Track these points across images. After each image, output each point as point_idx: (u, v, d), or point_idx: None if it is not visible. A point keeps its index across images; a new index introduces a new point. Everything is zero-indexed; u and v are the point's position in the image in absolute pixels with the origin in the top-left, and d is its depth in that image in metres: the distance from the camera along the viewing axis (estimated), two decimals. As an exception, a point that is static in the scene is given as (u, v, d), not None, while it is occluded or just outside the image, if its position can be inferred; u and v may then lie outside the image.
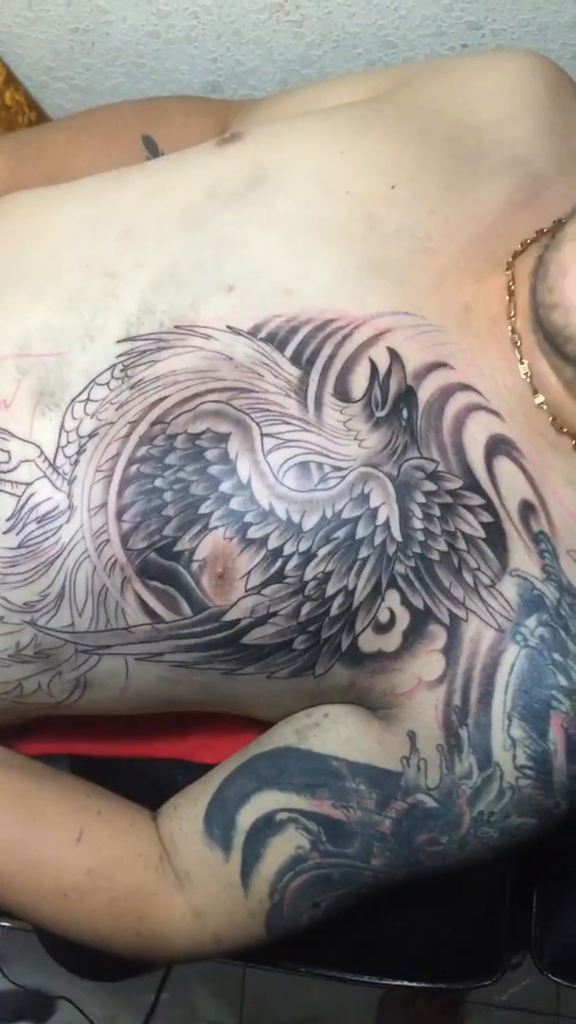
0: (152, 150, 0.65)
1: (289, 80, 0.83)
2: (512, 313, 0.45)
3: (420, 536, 0.43)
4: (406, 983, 0.63)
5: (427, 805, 0.45)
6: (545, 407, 0.45)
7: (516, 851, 0.48)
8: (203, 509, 0.43)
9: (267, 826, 0.48)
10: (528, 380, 0.45)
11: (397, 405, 0.44)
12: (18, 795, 0.53)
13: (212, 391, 0.45)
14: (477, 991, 1.22)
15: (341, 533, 0.43)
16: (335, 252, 0.46)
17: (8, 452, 0.46)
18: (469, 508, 0.44)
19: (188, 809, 0.51)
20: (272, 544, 0.43)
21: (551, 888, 0.64)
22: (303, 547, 0.43)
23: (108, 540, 0.44)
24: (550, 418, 0.45)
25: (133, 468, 0.44)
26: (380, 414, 0.44)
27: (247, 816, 0.48)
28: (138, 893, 0.50)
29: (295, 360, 0.45)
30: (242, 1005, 1.26)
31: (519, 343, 0.45)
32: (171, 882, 0.51)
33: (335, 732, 0.47)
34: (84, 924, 0.52)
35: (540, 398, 0.45)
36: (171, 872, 0.51)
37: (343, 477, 0.43)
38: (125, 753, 0.66)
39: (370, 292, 0.46)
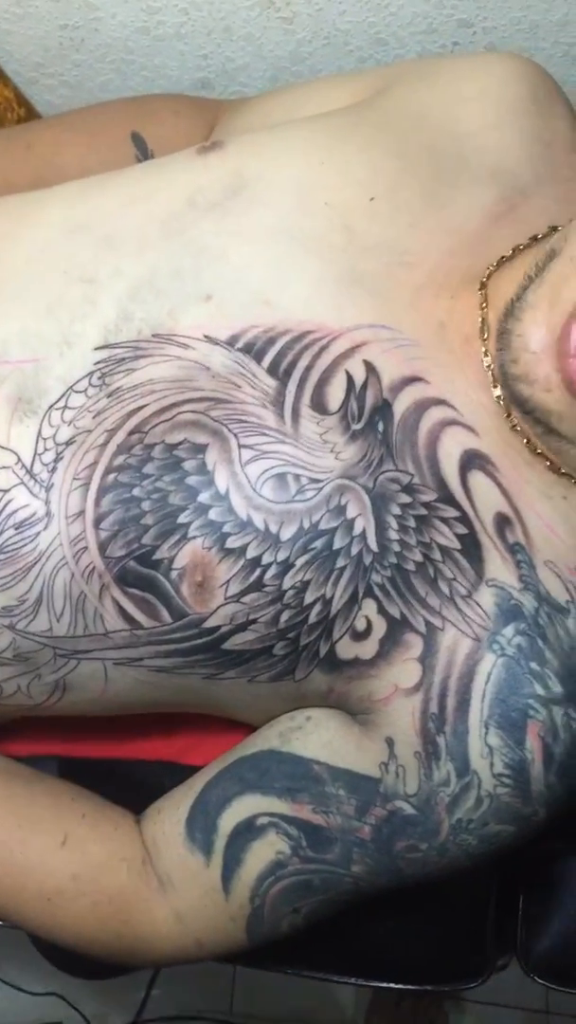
0: (141, 148, 0.64)
1: (280, 77, 0.82)
2: (485, 335, 0.46)
3: (396, 547, 0.44)
4: (393, 985, 0.63)
5: (406, 812, 0.45)
6: (518, 428, 0.45)
7: (497, 859, 0.48)
8: (182, 519, 0.44)
9: (248, 830, 0.48)
10: (501, 402, 0.45)
11: (373, 418, 0.44)
12: (2, 799, 0.53)
13: (189, 401, 0.45)
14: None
15: (319, 544, 0.43)
16: (314, 263, 0.46)
17: None
18: (444, 520, 0.44)
19: (171, 813, 0.51)
20: (251, 554, 0.43)
21: (537, 892, 0.64)
22: (281, 557, 0.43)
23: (86, 547, 0.45)
24: (524, 440, 0.45)
25: (111, 477, 0.44)
26: (356, 427, 0.44)
27: (228, 820, 0.48)
28: (121, 897, 0.51)
29: (272, 371, 0.45)
30: (232, 1001, 1.26)
31: (491, 366, 0.45)
32: (154, 886, 0.51)
33: (316, 736, 0.48)
34: (68, 928, 0.52)
35: (514, 420, 0.45)
36: (154, 876, 0.51)
37: (320, 489, 0.44)
38: (112, 754, 0.65)
39: (348, 304, 0.46)
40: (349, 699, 0.46)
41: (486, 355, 0.45)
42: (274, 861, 0.47)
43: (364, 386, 0.45)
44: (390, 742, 0.45)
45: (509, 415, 0.45)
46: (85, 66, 0.83)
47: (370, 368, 0.45)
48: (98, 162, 0.61)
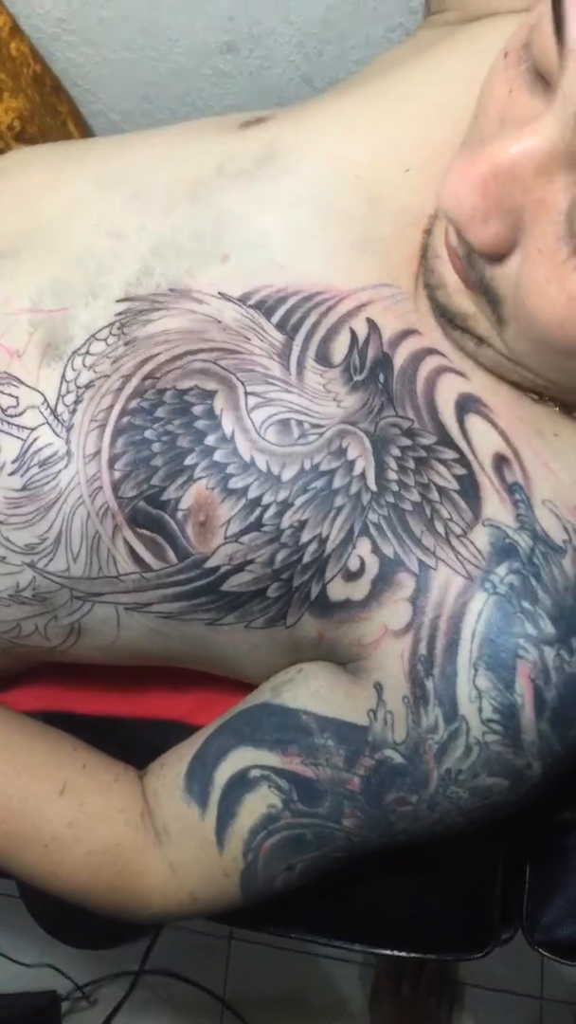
0: None
1: (306, 43, 0.82)
2: None
3: (394, 487, 0.45)
4: (396, 952, 0.63)
5: (394, 761, 0.45)
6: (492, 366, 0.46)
7: (496, 820, 0.47)
8: (188, 460, 0.46)
9: (241, 783, 0.48)
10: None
11: (374, 370, 0.46)
12: (2, 746, 0.53)
13: (201, 351, 0.47)
14: (462, 972, 1.23)
15: (318, 483, 0.45)
16: (333, 232, 0.48)
17: (17, 398, 0.48)
18: (443, 461, 0.45)
19: (172, 766, 0.52)
20: (252, 494, 0.45)
21: (544, 864, 0.64)
22: (281, 497, 0.45)
23: (101, 487, 0.47)
24: (499, 376, 0.46)
25: (125, 419, 0.47)
26: (358, 378, 0.46)
27: (223, 773, 0.49)
28: (117, 848, 0.51)
29: (281, 327, 0.47)
30: (226, 978, 1.26)
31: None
32: (150, 839, 0.51)
33: (305, 686, 0.48)
34: (62, 877, 0.52)
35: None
36: (151, 829, 0.51)
37: (321, 433, 0.45)
38: (121, 712, 0.65)
39: (359, 267, 0.47)
40: (339, 645, 0.46)
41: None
42: (266, 815, 0.47)
43: (366, 342, 0.46)
44: (379, 688, 0.45)
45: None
46: (108, 24, 0.82)
47: (372, 325, 0.46)
48: None
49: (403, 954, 0.63)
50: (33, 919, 0.74)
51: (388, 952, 0.63)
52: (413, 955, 0.62)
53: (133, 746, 0.58)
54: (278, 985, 1.25)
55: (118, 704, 0.66)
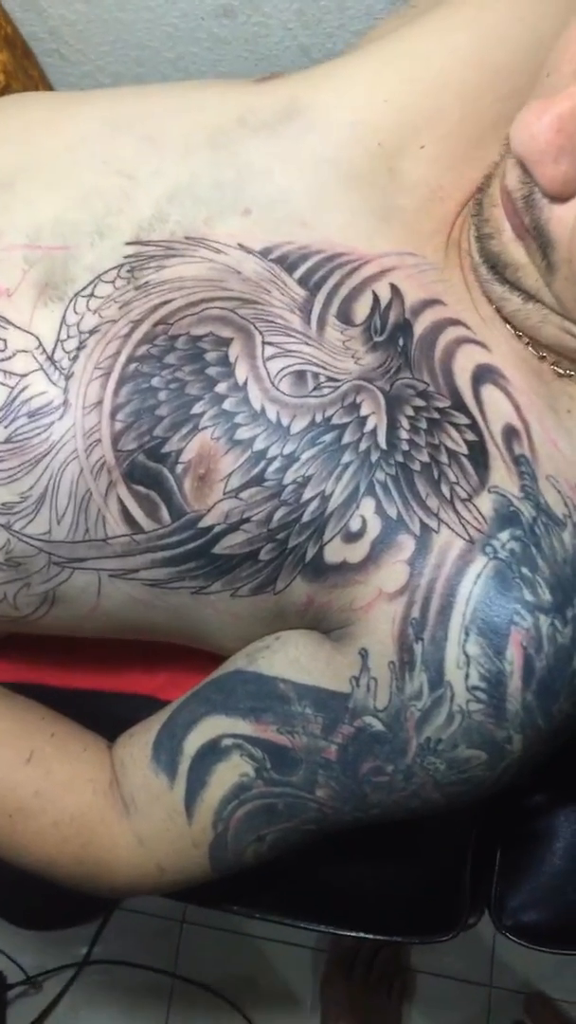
0: None
1: (306, 10, 0.80)
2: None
3: (404, 446, 0.44)
4: (362, 935, 0.62)
5: (374, 729, 0.44)
6: (520, 335, 0.47)
7: (469, 799, 0.46)
8: (196, 409, 0.44)
9: (212, 752, 0.47)
10: (498, 313, 0.47)
11: (394, 334, 0.46)
12: None
13: (219, 298, 0.45)
14: (413, 960, 1.23)
15: (327, 437, 0.44)
16: (354, 196, 0.47)
17: (4, 341, 0.45)
18: (455, 425, 0.45)
19: (141, 736, 0.51)
20: (258, 445, 0.44)
21: (515, 847, 0.64)
22: (287, 450, 0.44)
23: (99, 440, 0.44)
24: (527, 344, 0.47)
25: (132, 367, 0.45)
26: (378, 339, 0.46)
27: (193, 742, 0.48)
28: (84, 818, 0.50)
29: (303, 283, 0.46)
30: (176, 961, 1.25)
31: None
32: (118, 809, 0.50)
33: (283, 653, 0.47)
34: (28, 846, 0.51)
35: (511, 328, 0.47)
36: (119, 799, 0.50)
37: (336, 387, 0.44)
38: (91, 686, 0.64)
39: (381, 234, 0.47)
40: (328, 611, 0.45)
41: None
42: (237, 784, 0.46)
43: (388, 306, 0.46)
44: (364, 653, 0.44)
45: (506, 322, 0.47)
46: (104, -20, 0.80)
47: (395, 290, 0.46)
48: None
49: (369, 936, 0.62)
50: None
51: (353, 934, 0.62)
52: (379, 938, 0.62)
53: (102, 720, 0.57)
54: (229, 969, 1.25)
55: (87, 678, 0.65)
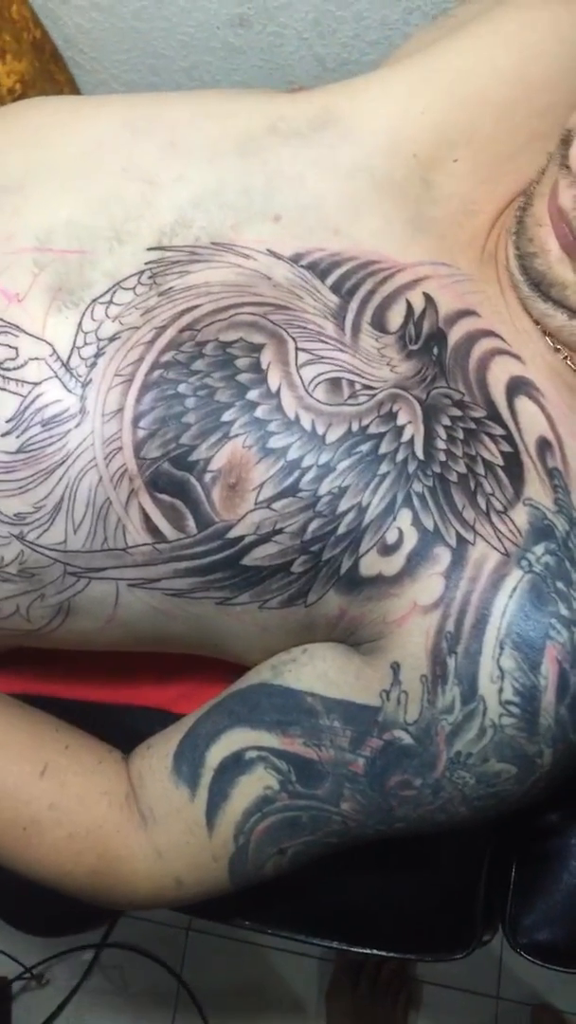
0: None
1: (321, 20, 0.80)
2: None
3: (442, 456, 0.44)
4: (376, 952, 0.62)
5: (403, 742, 0.44)
6: (559, 349, 0.47)
7: (495, 815, 0.46)
8: (226, 416, 0.43)
9: (235, 765, 0.46)
10: (537, 326, 0.47)
11: (428, 343, 0.45)
12: None
13: (249, 304, 0.45)
14: (420, 971, 1.22)
15: (364, 447, 0.43)
16: (387, 205, 0.47)
17: (16, 349, 0.44)
18: (491, 436, 0.44)
19: (160, 747, 0.50)
20: (292, 455, 0.43)
21: (530, 866, 0.63)
22: (323, 460, 0.43)
23: (120, 448, 0.43)
24: (564, 359, 0.47)
25: (156, 373, 0.44)
26: (413, 347, 0.45)
27: (216, 754, 0.47)
28: (100, 831, 0.49)
29: (335, 289, 0.45)
30: (182, 969, 1.25)
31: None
32: (135, 822, 0.49)
33: (311, 667, 0.46)
34: (42, 860, 0.50)
35: (550, 341, 0.47)
36: (136, 812, 0.50)
37: (373, 395, 0.44)
38: (103, 699, 0.63)
39: (415, 244, 0.47)
40: (360, 624, 0.45)
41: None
42: (261, 796, 0.46)
43: (422, 315, 0.46)
44: (395, 667, 0.44)
45: (546, 335, 0.47)
46: (120, -12, 0.80)
47: (429, 300, 0.46)
48: None
49: (383, 954, 0.62)
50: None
51: (367, 951, 0.62)
52: (392, 955, 0.61)
53: (114, 733, 0.56)
54: (235, 977, 1.24)
55: (99, 691, 0.64)
